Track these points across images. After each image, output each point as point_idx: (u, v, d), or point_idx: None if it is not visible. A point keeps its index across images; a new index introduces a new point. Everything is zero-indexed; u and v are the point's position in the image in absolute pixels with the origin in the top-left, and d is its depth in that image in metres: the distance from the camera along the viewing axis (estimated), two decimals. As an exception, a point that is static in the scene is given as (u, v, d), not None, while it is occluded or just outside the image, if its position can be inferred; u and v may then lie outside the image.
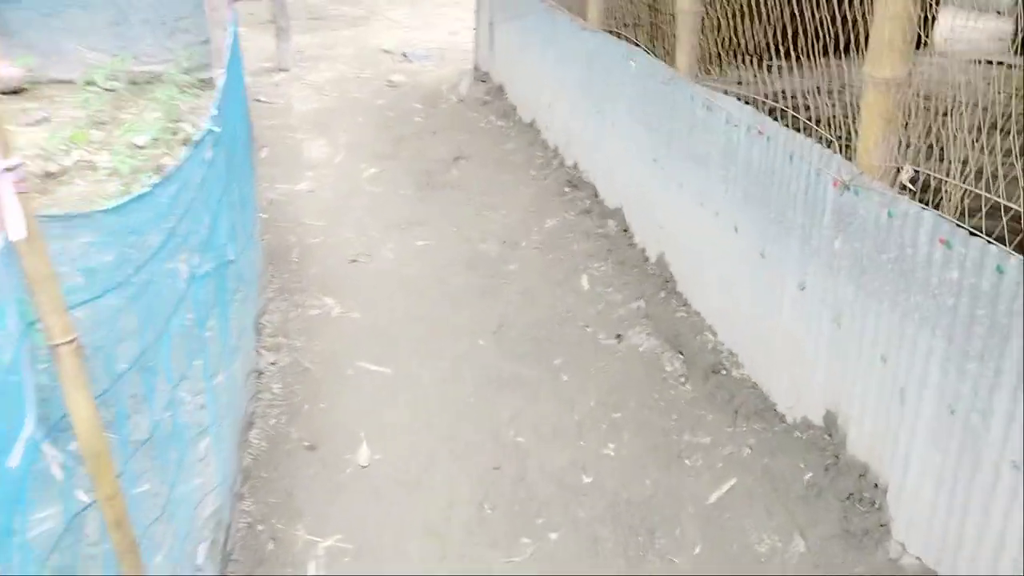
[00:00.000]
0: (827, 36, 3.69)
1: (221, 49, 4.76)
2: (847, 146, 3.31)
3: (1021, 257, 2.48)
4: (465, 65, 10.77)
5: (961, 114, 2.82)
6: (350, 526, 3.50)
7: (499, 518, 3.56)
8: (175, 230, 3.16)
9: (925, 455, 2.93)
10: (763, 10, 4.33)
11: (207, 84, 9.15)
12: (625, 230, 5.77)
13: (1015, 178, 2.68)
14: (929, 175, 2.91)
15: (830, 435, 3.53)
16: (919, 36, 3.03)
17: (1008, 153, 2.77)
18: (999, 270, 2.53)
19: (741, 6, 4.74)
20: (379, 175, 7.38)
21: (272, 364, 4.55)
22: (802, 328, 3.64)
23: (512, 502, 3.64)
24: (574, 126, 6.82)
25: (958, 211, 2.86)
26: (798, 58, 3.89)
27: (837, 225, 3.34)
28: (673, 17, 4.89)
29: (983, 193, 2.76)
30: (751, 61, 4.39)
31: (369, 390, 4.38)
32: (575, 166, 6.86)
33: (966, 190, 2.75)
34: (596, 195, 6.35)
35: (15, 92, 9.05)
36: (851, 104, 3.39)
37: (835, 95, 3.59)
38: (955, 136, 2.86)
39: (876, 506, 3.20)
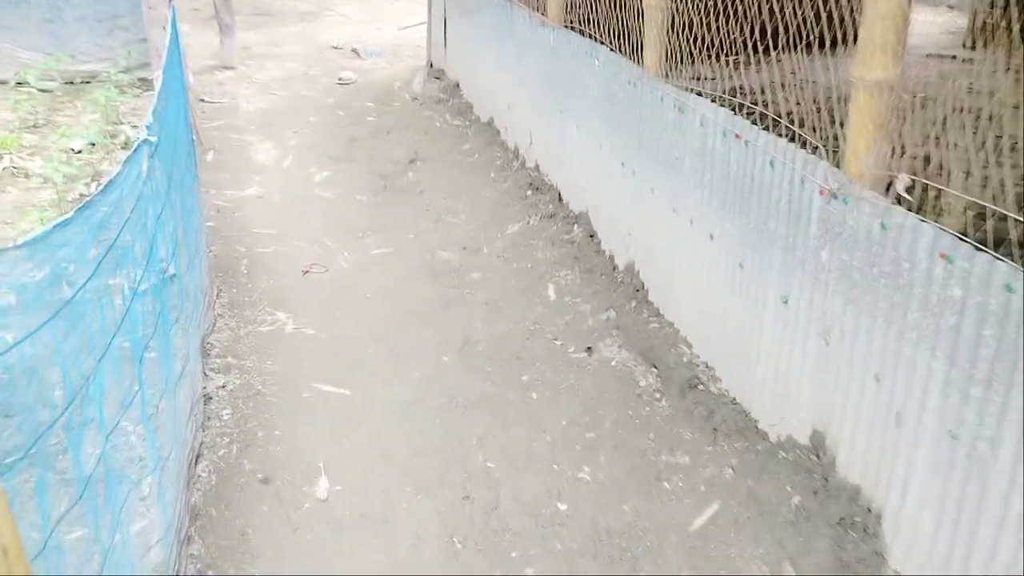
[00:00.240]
0: (792, 31, 3.51)
1: (160, 49, 4.43)
2: (834, 151, 3.13)
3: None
4: (418, 62, 10.48)
5: (960, 117, 2.65)
6: (310, 568, 3.24)
7: (471, 554, 3.32)
8: (115, 243, 2.89)
9: (924, 481, 2.75)
10: (725, 5, 4.14)
11: (147, 84, 8.75)
12: (592, 236, 5.56)
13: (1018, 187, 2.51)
14: (927, 184, 2.73)
15: (817, 456, 3.35)
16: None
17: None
18: (1008, 289, 2.36)
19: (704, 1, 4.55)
20: (332, 179, 7.07)
21: (221, 387, 4.25)
22: (786, 343, 3.45)
23: (484, 535, 3.41)
24: (535, 127, 6.59)
25: (960, 223, 2.68)
26: (766, 52, 3.71)
27: (824, 236, 3.15)
28: (640, 13, 4.68)
29: (988, 205, 2.59)
30: (714, 56, 4.20)
31: (327, 414, 4.11)
32: (536, 168, 6.63)
33: (969, 201, 2.58)
34: (560, 199, 6.13)
35: (-59, 94, 8.57)
36: (824, 103, 3.20)
37: (800, 91, 3.41)
38: (953, 141, 2.69)
39: (870, 533, 3.03)
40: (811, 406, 3.34)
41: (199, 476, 3.64)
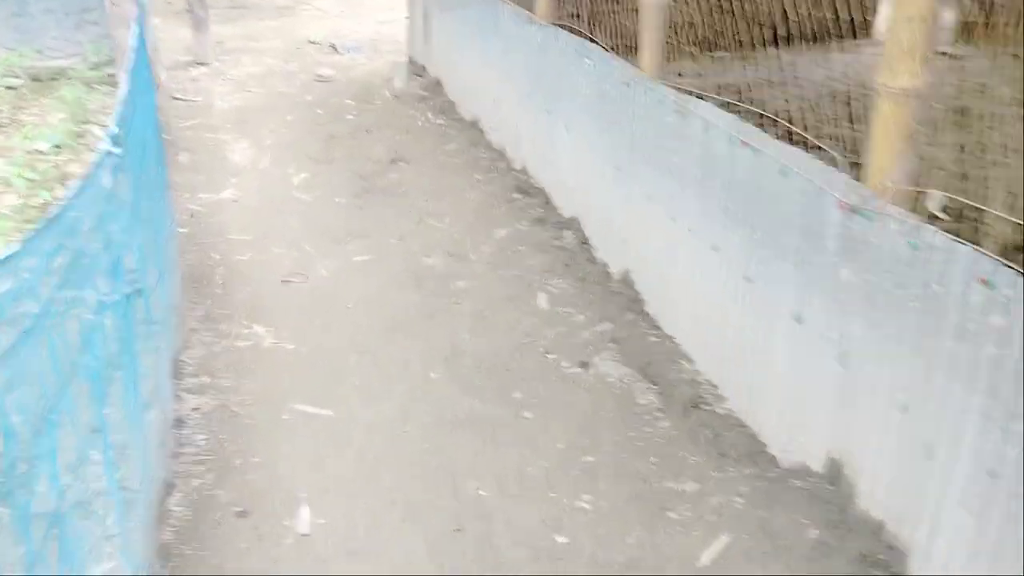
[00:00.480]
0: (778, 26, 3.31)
1: (126, 49, 4.15)
2: (854, 163, 2.92)
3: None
4: (399, 58, 10.19)
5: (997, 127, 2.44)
6: (291, 613, 3.00)
7: (465, 593, 3.10)
8: (83, 251, 2.64)
9: (958, 521, 2.56)
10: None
11: (118, 81, 8.42)
12: (583, 242, 5.34)
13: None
14: (964, 203, 2.53)
15: (834, 485, 3.15)
16: (862, 24, 2.66)
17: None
18: (1059, 319, 2.16)
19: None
20: (311, 180, 6.80)
21: (195, 410, 3.99)
22: (799, 364, 3.25)
23: (478, 570, 3.18)
24: (522, 127, 6.35)
25: (1001, 246, 2.48)
26: (752, 47, 3.51)
27: (843, 253, 2.94)
28: (635, 12, 4.46)
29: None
30: (715, 56, 4.00)
31: (308, 438, 3.86)
32: (524, 170, 6.39)
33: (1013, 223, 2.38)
34: (549, 202, 5.90)
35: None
36: (841, 108, 3.00)
37: (788, 88, 3.21)
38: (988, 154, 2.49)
39: (894, 571, 2.83)
40: (827, 433, 3.14)
41: (172, 511, 3.38)
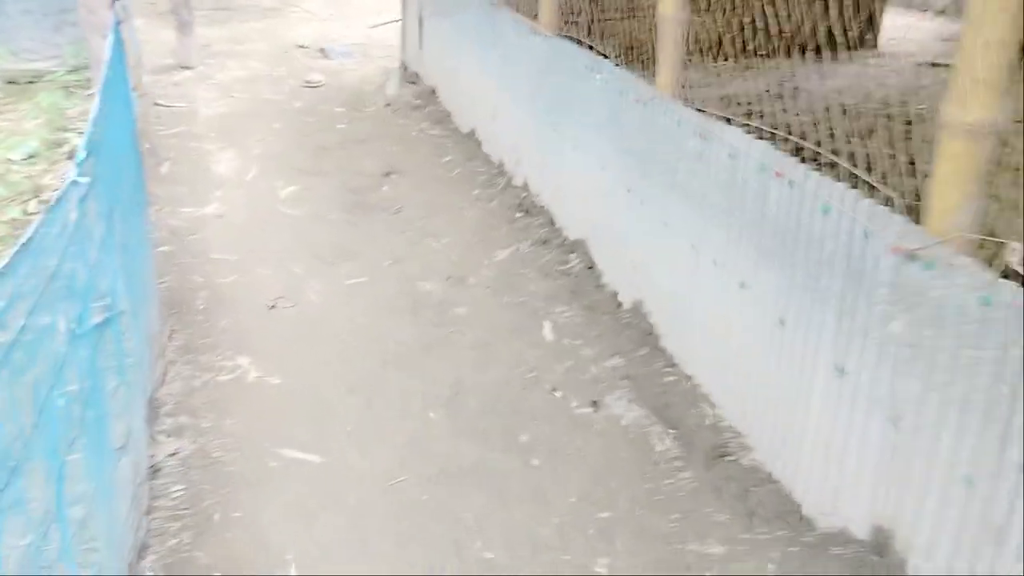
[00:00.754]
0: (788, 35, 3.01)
1: (100, 61, 3.81)
2: (911, 204, 2.62)
3: None
4: (390, 63, 9.87)
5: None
6: None
7: (471, 677, 2.78)
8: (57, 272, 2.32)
9: (1035, 615, 2.26)
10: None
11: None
12: (590, 267, 5.02)
13: None
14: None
15: (880, 556, 2.84)
16: (866, 36, 2.36)
17: None
18: None
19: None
20: (299, 194, 6.46)
21: (172, 455, 3.65)
22: (841, 420, 2.94)
23: (486, 649, 2.87)
24: (524, 142, 6.03)
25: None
26: (755, 55, 3.22)
27: (896, 303, 2.64)
28: (652, 26, 4.15)
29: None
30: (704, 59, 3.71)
31: (296, 489, 3.53)
32: (525, 186, 6.07)
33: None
34: (553, 223, 5.59)
35: None
36: (895, 141, 2.70)
37: (789, 99, 2.92)
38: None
39: (954, 661, 2.53)
40: (874, 498, 2.83)
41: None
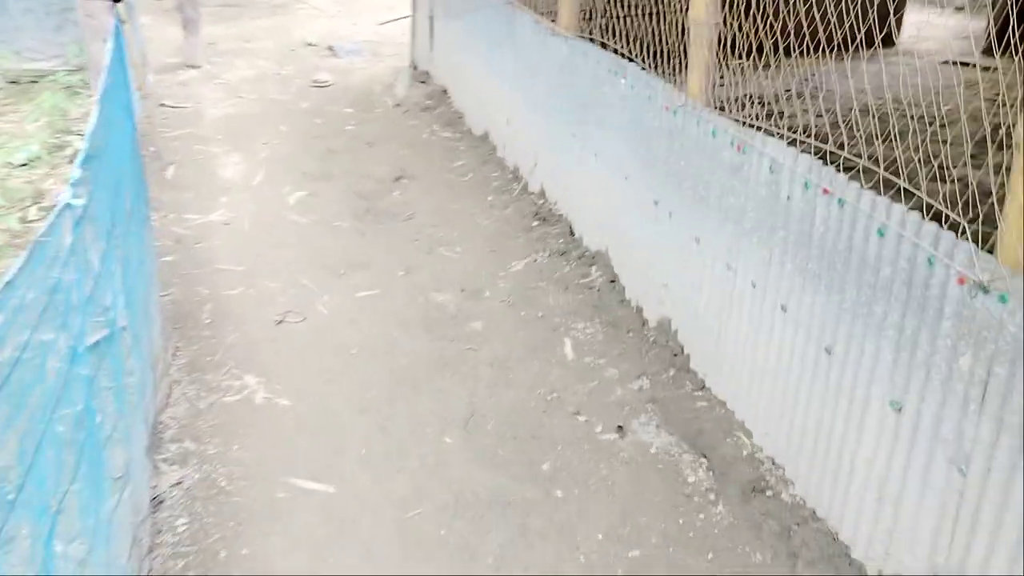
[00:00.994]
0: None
1: (100, 67, 3.59)
2: (980, 231, 2.40)
3: None
4: (400, 62, 9.67)
5: None
6: None
7: None
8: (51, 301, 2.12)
9: None
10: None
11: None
12: (612, 280, 4.80)
13: None
14: None
15: (940, 609, 2.63)
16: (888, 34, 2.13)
17: None
18: None
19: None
20: (308, 200, 6.25)
21: (176, 484, 3.45)
22: (898, 460, 2.72)
23: None
24: (541, 147, 5.81)
25: None
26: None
27: (964, 338, 2.42)
28: (682, 29, 3.93)
29: None
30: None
31: (306, 521, 3.32)
32: (542, 193, 5.85)
33: None
34: (571, 233, 5.37)
35: None
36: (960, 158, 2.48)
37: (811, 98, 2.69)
38: None
39: None
40: (934, 547, 2.61)
41: (144, 623, 2.85)
